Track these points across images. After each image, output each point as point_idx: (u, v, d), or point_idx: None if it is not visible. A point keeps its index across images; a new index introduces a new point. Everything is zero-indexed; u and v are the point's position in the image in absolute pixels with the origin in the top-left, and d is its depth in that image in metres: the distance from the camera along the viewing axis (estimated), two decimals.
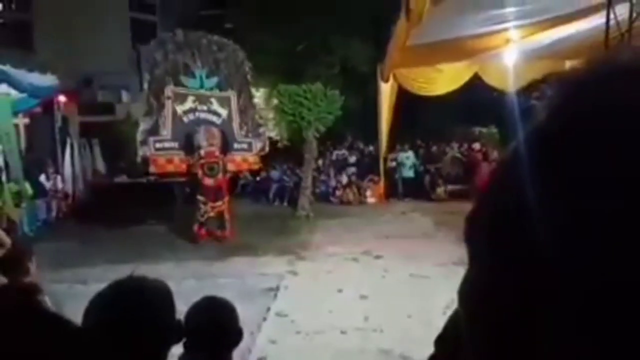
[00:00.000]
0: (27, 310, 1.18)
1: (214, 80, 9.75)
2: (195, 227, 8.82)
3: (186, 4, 16.97)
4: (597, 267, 0.26)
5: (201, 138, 9.15)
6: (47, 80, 10.42)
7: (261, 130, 10.42)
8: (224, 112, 9.83)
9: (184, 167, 9.15)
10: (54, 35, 14.00)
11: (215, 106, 9.77)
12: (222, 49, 9.93)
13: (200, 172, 8.95)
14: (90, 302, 1.20)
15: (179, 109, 9.28)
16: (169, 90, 9.12)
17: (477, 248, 0.35)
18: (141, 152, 8.88)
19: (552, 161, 0.29)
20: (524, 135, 0.32)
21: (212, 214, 8.94)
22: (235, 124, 9.92)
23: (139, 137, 8.89)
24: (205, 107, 9.62)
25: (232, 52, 10.04)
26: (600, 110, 0.28)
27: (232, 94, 9.96)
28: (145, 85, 9.10)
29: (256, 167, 10.65)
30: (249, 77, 10.21)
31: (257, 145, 10.14)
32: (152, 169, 9.02)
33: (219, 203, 9.02)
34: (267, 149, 10.42)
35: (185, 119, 9.33)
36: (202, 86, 9.62)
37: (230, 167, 9.60)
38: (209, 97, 9.70)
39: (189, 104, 9.43)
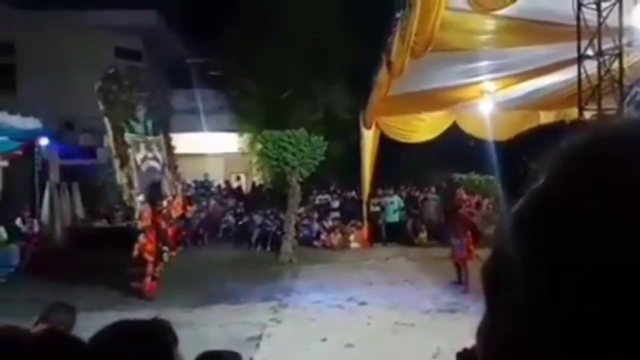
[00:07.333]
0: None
1: (150, 123, 8.89)
2: (148, 281, 8.02)
3: (171, 52, 17.37)
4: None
5: (165, 187, 8.64)
6: (29, 123, 10.39)
7: (178, 171, 9.78)
8: (161, 158, 9.10)
9: (150, 219, 8.24)
10: (38, 78, 14.03)
11: (156, 151, 8.97)
12: (146, 87, 9.00)
13: (164, 223, 8.40)
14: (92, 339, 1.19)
15: (138, 157, 8.42)
16: (128, 138, 8.26)
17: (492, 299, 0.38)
18: (136, 207, 8.12)
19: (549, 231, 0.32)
20: (529, 196, 0.36)
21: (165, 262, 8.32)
22: (167, 169, 9.26)
23: (124, 192, 8.11)
24: (151, 155, 8.81)
25: (154, 90, 9.22)
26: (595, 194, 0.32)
27: (161, 138, 9.27)
28: (110, 133, 8.13)
29: (185, 211, 9.82)
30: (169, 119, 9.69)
31: (179, 187, 9.63)
32: (141, 223, 8.17)
33: (173, 252, 8.50)
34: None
35: (142, 168, 8.53)
36: (146, 132, 8.77)
37: (174, 213, 8.98)
38: (151, 142, 8.89)
39: (143, 151, 8.58)
